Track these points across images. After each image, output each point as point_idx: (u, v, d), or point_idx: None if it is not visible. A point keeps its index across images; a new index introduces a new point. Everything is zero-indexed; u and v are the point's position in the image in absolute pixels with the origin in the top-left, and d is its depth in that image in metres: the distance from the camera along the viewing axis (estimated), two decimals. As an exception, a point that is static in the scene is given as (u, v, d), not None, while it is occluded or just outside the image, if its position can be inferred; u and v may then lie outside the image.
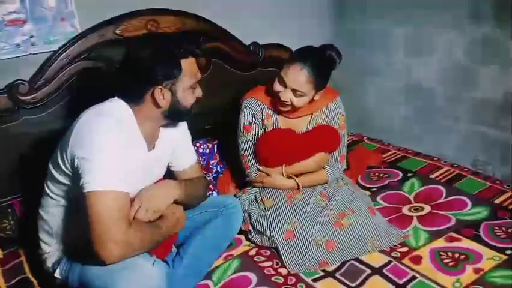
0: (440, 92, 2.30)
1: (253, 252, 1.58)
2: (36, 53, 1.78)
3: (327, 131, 1.77)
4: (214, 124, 2.15)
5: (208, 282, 1.44)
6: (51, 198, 1.33)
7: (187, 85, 1.33)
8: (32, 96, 1.73)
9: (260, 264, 1.52)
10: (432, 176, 1.98)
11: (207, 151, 2.00)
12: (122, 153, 1.21)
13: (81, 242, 1.20)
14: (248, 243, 1.64)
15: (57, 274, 1.34)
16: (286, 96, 1.64)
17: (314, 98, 1.68)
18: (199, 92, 1.40)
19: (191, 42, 1.36)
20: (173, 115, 1.37)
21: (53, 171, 1.30)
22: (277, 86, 1.65)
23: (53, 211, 1.34)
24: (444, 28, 2.18)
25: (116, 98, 1.34)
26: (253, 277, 1.45)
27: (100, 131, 1.21)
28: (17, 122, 1.73)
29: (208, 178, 1.94)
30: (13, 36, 1.72)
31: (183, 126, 1.54)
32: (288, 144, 1.72)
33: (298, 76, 1.59)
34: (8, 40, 1.72)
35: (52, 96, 1.78)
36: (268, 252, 1.57)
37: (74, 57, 1.80)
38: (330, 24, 2.64)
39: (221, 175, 1.97)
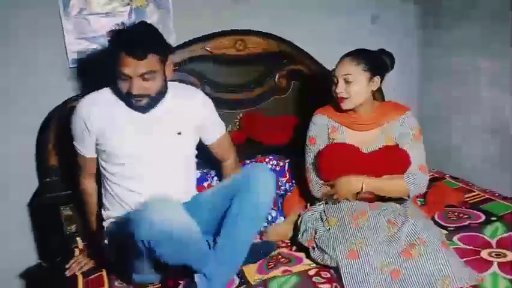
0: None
1: (312, 272, 1.54)
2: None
3: (394, 151, 1.70)
4: (288, 144, 2.18)
5: (266, 291, 1.43)
6: None
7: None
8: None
9: (318, 285, 1.47)
10: (521, 223, 1.79)
11: (277, 168, 2.01)
12: (86, 124, 1.56)
13: None
14: (309, 262, 1.61)
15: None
16: (341, 87, 1.70)
17: (372, 88, 1.73)
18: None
19: None
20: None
21: None
22: (333, 87, 1.74)
23: None
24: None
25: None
26: (309, 295, 1.41)
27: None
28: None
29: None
30: (118, 45, 1.92)
31: (200, 99, 1.71)
32: (350, 160, 1.68)
33: (345, 62, 1.71)
34: (113, 49, 1.92)
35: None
36: (328, 275, 1.52)
37: (167, 69, 1.95)
38: (414, 56, 2.59)
39: (289, 193, 1.98)
